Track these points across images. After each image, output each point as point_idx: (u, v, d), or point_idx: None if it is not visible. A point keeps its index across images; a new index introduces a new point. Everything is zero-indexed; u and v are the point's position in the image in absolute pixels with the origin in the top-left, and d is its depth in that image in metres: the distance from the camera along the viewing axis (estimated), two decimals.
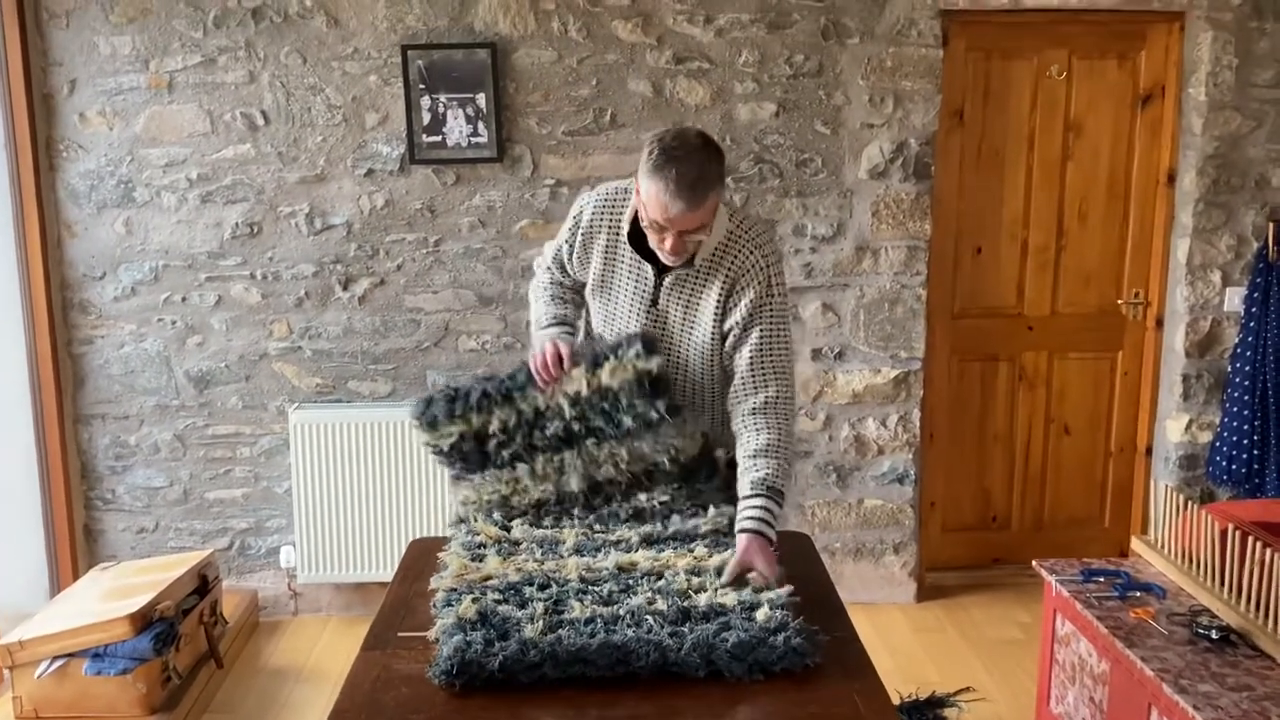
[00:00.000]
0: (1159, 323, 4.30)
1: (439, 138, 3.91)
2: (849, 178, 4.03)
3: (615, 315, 2.47)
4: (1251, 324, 4.05)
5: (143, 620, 3.31)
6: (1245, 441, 4.05)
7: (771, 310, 2.34)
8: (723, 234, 2.33)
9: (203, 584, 3.72)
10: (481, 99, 3.89)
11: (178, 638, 3.43)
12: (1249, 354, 4.04)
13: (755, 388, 2.32)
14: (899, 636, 4.01)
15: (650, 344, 2.35)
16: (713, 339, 2.38)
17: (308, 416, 3.99)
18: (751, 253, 2.33)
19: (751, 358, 2.33)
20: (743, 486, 2.26)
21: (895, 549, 4.27)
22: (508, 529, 2.38)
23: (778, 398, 2.31)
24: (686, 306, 2.38)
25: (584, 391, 2.38)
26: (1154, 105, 4.17)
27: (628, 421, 2.36)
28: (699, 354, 2.42)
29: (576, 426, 2.39)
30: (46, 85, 3.88)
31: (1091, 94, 4.16)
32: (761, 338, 2.32)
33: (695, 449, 2.40)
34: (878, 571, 4.28)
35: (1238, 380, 4.07)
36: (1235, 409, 4.07)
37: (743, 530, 2.17)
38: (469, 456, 2.45)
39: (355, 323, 4.06)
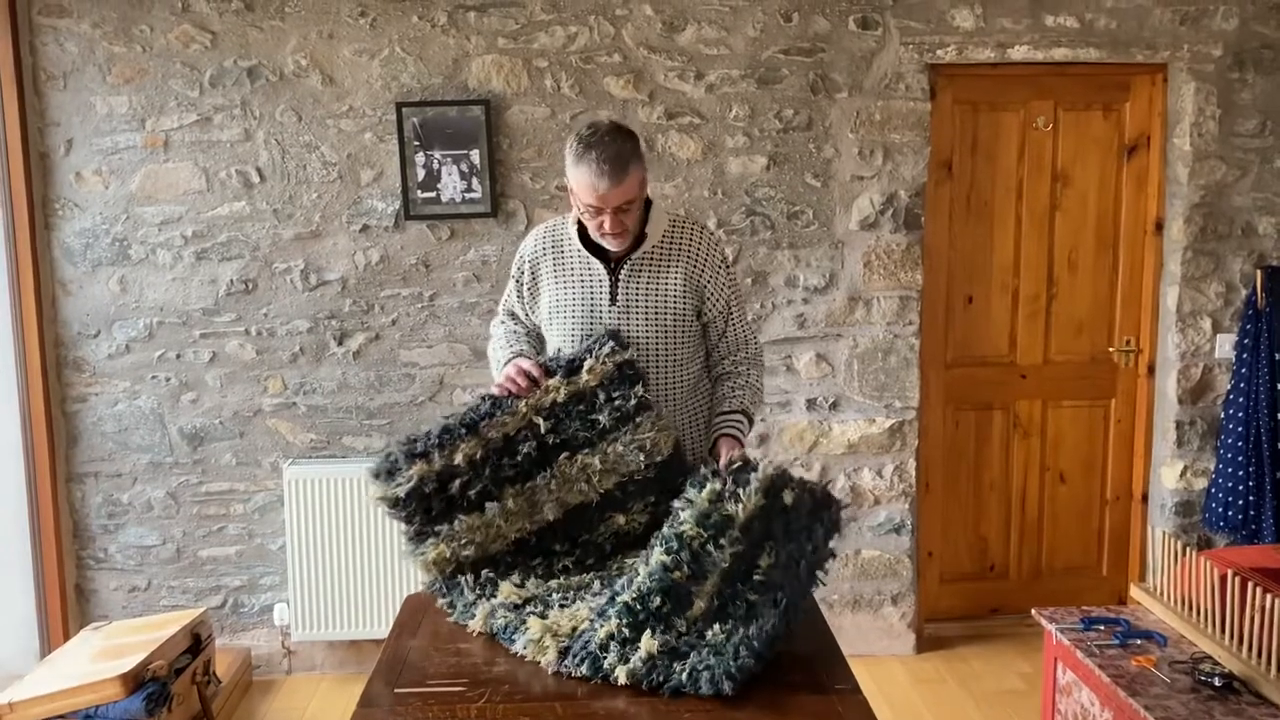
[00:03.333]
0: (1151, 370, 4.32)
1: (434, 193, 3.95)
2: (840, 229, 4.06)
3: (578, 328, 2.54)
4: (1243, 370, 4.07)
5: (134, 680, 3.27)
6: (1240, 488, 4.05)
7: (732, 285, 2.66)
8: (665, 223, 2.59)
9: (195, 643, 3.68)
10: (475, 155, 3.93)
11: (170, 698, 3.38)
12: (1241, 400, 4.06)
13: (737, 346, 2.68)
14: (899, 689, 3.97)
15: (620, 338, 2.47)
16: (681, 320, 2.57)
17: (301, 472, 3.98)
18: (698, 236, 2.62)
19: (729, 326, 2.67)
20: (722, 404, 2.62)
21: (893, 600, 4.24)
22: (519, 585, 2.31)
23: (757, 351, 2.72)
24: (648, 293, 2.55)
25: (560, 399, 2.38)
26: (1139, 155, 4.23)
27: (604, 419, 2.38)
28: (668, 339, 2.56)
29: (551, 440, 2.37)
30: (43, 145, 3.91)
31: (1078, 145, 4.21)
32: (732, 309, 2.66)
33: (668, 444, 2.41)
34: (876, 623, 4.25)
35: (1231, 427, 4.08)
36: (1229, 455, 4.07)
37: (722, 434, 2.54)
38: (431, 505, 2.31)
39: (350, 378, 4.06)
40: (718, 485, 2.08)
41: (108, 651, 3.47)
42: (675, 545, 2.05)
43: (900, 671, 4.11)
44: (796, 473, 2.17)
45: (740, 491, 2.05)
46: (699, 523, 2.05)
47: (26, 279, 3.90)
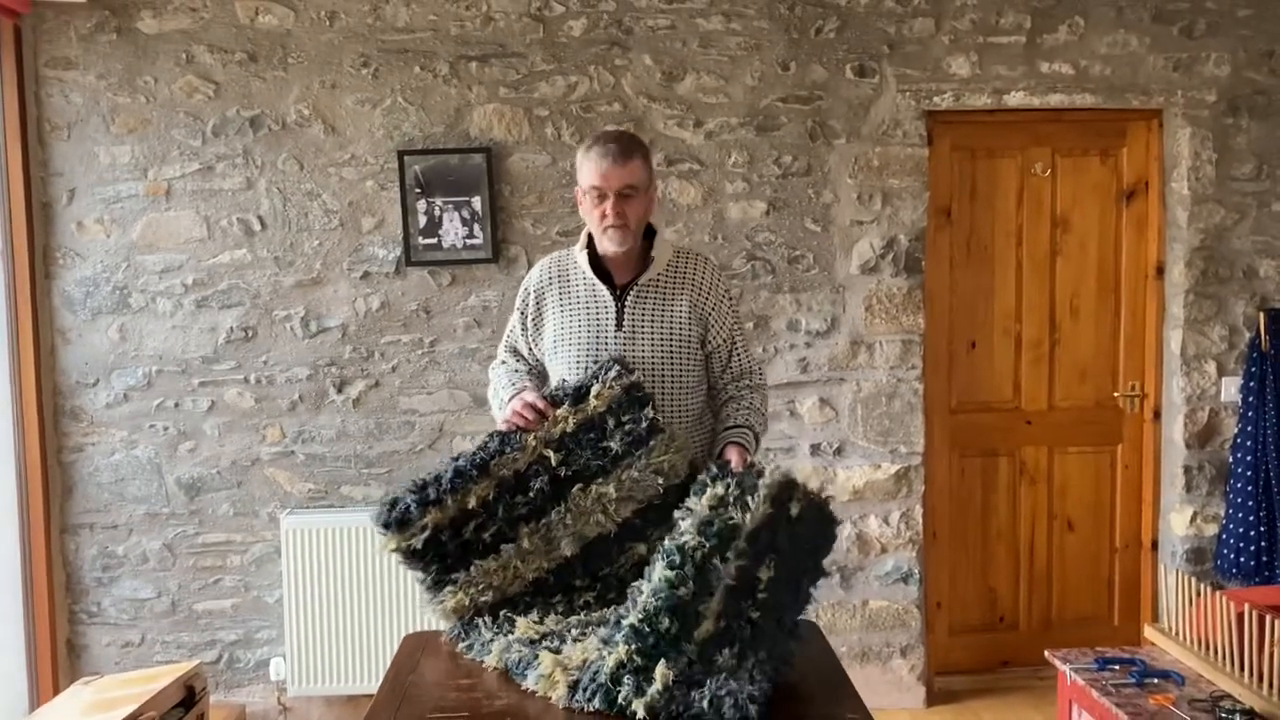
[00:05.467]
0: (1157, 415, 4.28)
1: (435, 240, 3.95)
2: (840, 273, 4.06)
3: (583, 355, 2.52)
4: (1250, 414, 4.04)
5: None
6: (1252, 533, 3.99)
7: (735, 316, 2.68)
8: (670, 253, 2.63)
9: (189, 695, 3.58)
10: (477, 202, 3.94)
11: None
12: (1249, 444, 4.02)
13: (740, 377, 2.67)
14: None
15: (625, 363, 2.43)
16: (686, 347, 2.56)
17: (299, 522, 3.91)
18: (702, 266, 2.65)
19: (733, 355, 2.66)
20: (726, 421, 2.58)
21: (902, 652, 4.16)
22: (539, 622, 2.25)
23: (761, 382, 2.71)
24: (654, 319, 2.55)
25: (569, 429, 2.34)
26: (1138, 200, 4.24)
27: (616, 446, 2.33)
28: (672, 365, 2.55)
29: (564, 472, 2.32)
30: (46, 195, 3.92)
31: (1076, 190, 4.23)
32: (735, 338, 2.66)
33: (684, 466, 2.36)
34: (885, 676, 4.15)
35: (1239, 471, 4.04)
36: (1239, 500, 4.02)
37: (731, 442, 2.48)
38: (447, 552, 2.27)
39: (349, 426, 4.02)
40: (720, 490, 2.01)
41: (98, 705, 3.38)
42: (678, 559, 1.96)
43: None
44: (801, 481, 2.08)
45: (748, 499, 1.98)
46: (700, 531, 1.97)
47: (26, 328, 3.88)
